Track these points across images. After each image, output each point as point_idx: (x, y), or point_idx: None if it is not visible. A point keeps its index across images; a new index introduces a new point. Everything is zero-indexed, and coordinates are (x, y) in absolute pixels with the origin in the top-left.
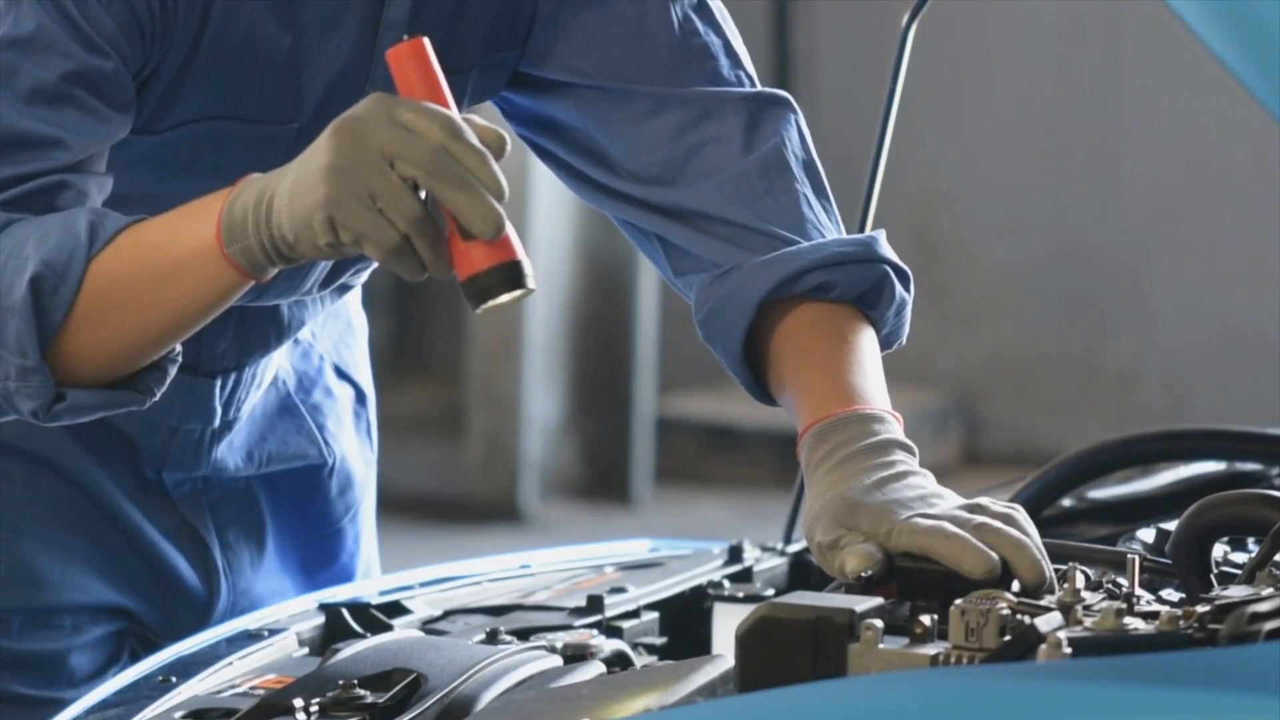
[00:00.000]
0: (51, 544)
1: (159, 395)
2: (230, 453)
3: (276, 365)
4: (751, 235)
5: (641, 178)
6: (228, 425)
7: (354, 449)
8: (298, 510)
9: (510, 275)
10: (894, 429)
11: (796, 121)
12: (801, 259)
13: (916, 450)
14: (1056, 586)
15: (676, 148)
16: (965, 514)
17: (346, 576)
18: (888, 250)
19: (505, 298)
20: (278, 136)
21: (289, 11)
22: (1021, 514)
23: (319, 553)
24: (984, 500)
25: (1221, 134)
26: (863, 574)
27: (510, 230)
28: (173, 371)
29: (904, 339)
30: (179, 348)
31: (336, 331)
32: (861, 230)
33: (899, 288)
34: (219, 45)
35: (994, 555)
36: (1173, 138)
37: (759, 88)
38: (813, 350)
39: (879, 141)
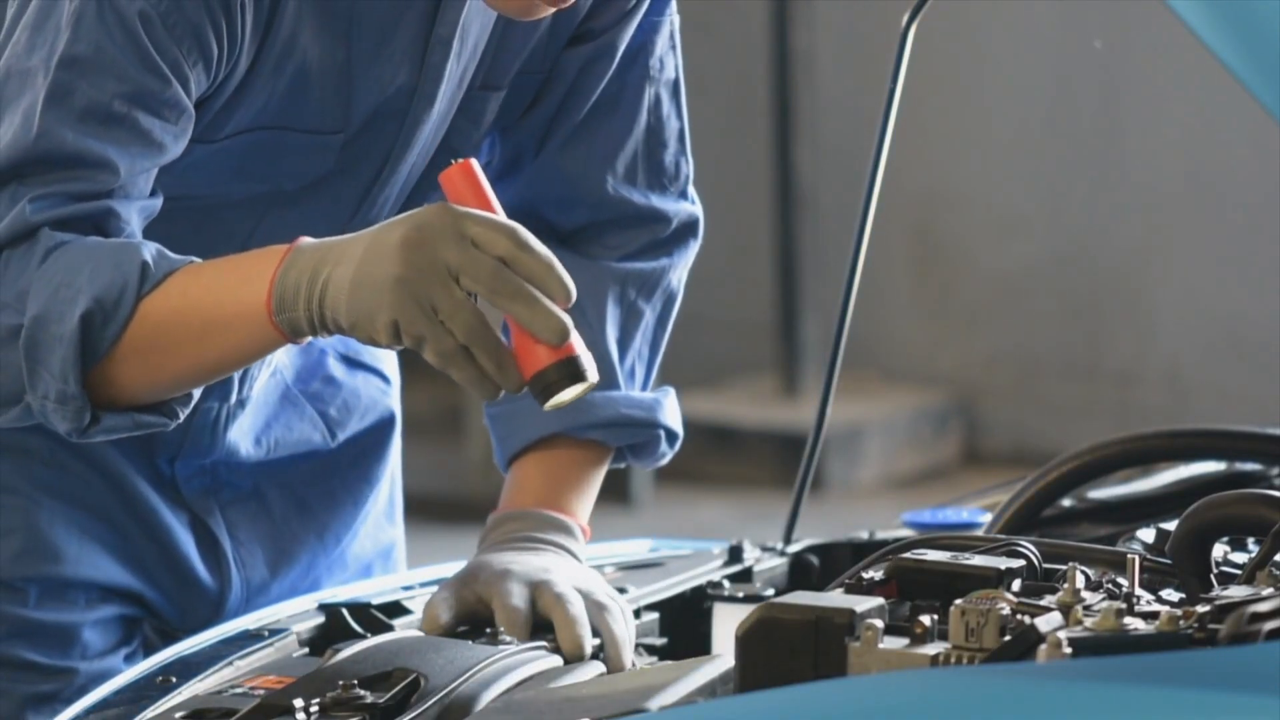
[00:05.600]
0: (69, 520)
1: (183, 418)
2: (241, 437)
3: None
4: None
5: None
6: (240, 404)
7: (368, 430)
8: (312, 501)
9: (570, 370)
10: (568, 538)
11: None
12: (593, 414)
13: (580, 554)
14: (627, 661)
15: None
16: (570, 592)
17: (385, 563)
18: (668, 415)
19: (569, 393)
20: (325, 145)
21: (344, 26)
22: (614, 603)
23: (350, 542)
24: (593, 586)
25: (1221, 134)
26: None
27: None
28: (197, 396)
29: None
30: None
31: None
32: (860, 231)
33: (664, 446)
34: (278, 62)
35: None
36: (1173, 137)
37: (684, 200)
38: (554, 463)
39: (879, 141)
